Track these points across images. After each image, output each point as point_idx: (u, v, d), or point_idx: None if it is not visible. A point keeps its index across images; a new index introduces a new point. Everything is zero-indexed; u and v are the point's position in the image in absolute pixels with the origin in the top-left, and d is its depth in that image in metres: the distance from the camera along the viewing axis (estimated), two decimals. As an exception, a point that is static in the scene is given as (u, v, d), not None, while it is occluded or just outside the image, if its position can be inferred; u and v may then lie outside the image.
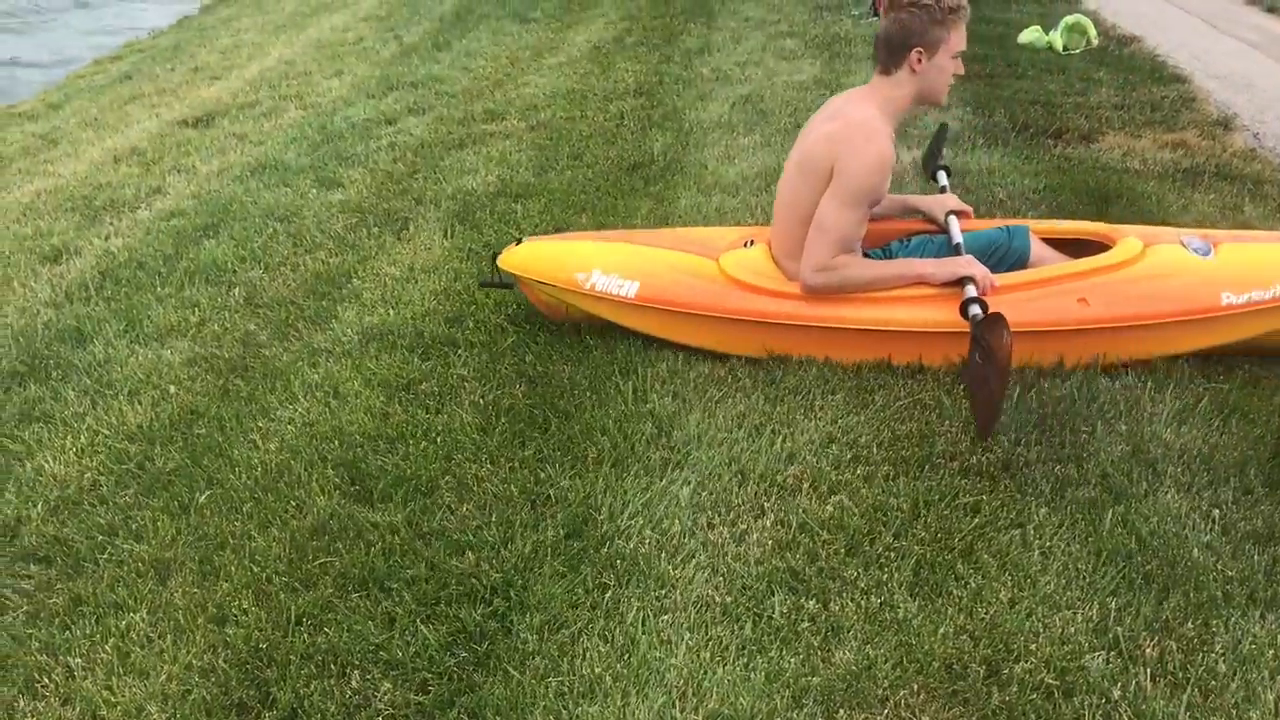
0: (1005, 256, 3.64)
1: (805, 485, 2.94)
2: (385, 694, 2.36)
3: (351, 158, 6.22)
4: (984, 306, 3.26)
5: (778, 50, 7.94)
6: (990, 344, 2.97)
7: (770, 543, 2.73)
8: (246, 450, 3.31)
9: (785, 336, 3.55)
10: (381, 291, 4.36)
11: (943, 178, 4.20)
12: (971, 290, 3.32)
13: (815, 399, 3.33)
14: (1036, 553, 2.67)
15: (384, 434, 3.32)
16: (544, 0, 10.71)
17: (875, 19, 8.59)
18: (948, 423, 3.19)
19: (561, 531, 2.81)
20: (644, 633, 2.47)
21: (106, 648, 2.54)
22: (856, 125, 3.35)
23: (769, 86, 6.97)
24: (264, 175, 6.07)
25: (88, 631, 2.61)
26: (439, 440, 3.25)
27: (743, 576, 2.63)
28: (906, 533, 2.75)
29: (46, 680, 2.48)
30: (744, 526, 2.80)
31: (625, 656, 2.41)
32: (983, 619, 2.47)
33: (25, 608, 2.72)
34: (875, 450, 3.08)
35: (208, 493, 3.10)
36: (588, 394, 3.45)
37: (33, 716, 2.39)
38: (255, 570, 2.75)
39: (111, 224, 5.59)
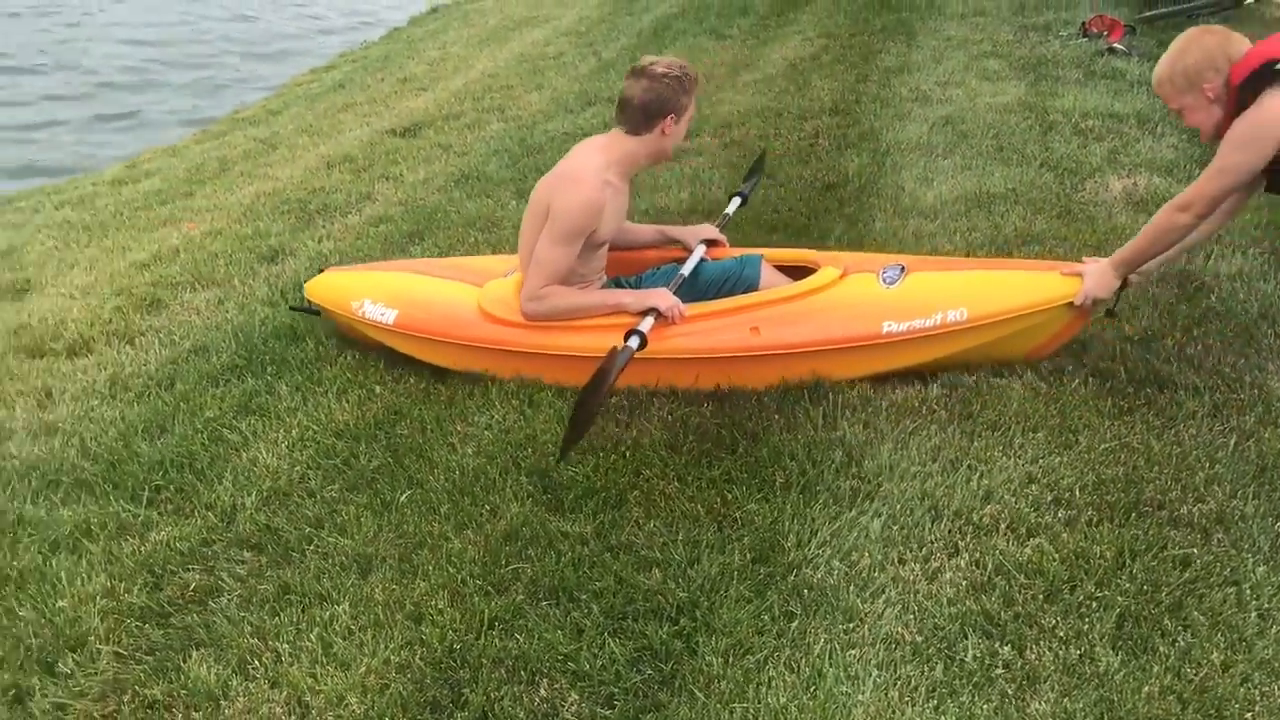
0: (737, 284, 3.90)
1: (1002, 526, 2.85)
2: (572, 705, 2.40)
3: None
4: (642, 339, 3.53)
5: (980, 71, 7.75)
6: (601, 370, 3.30)
7: (964, 583, 2.66)
8: (445, 453, 3.42)
9: (515, 362, 3.81)
10: (576, 304, 4.44)
11: (733, 204, 4.48)
12: (646, 322, 3.59)
13: (1015, 436, 3.23)
14: (1253, 614, 2.52)
15: (576, 445, 3.38)
16: (740, 17, 10.75)
17: (1084, 41, 8.29)
18: (1157, 469, 3.04)
19: (748, 556, 2.81)
20: (831, 666, 2.44)
21: (311, 637, 2.67)
22: (571, 173, 3.71)
23: (970, 108, 6.80)
24: (467, 185, 6.28)
25: (294, 619, 2.75)
26: (628, 454, 3.29)
27: (934, 616, 2.57)
28: (1110, 582, 2.64)
29: (257, 663, 2.62)
30: (936, 564, 2.74)
31: (811, 689, 2.39)
32: (1192, 681, 2.34)
33: (239, 592, 2.89)
34: (1078, 493, 2.96)
35: (408, 492, 3.22)
36: (776, 417, 3.43)
37: (245, 696, 2.53)
38: (451, 571, 2.84)
39: (324, 227, 5.89)
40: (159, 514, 3.29)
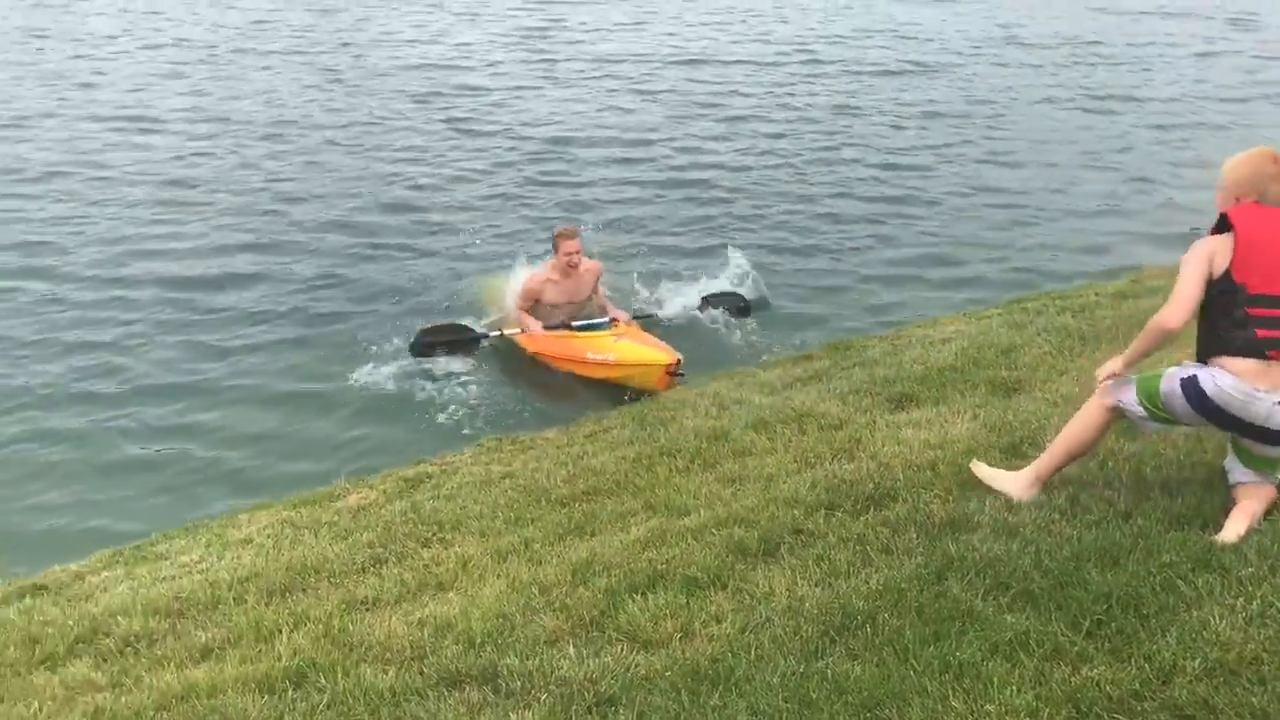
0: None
1: None
2: None
3: None
4: (501, 336, 9.75)
5: None
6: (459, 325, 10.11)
7: None
8: None
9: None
10: None
11: (681, 308, 10.52)
12: (513, 331, 9.66)
13: None
14: None
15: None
16: None
17: None
18: None
19: None
20: None
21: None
22: (534, 271, 9.93)
23: None
24: None
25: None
26: None
27: None
28: None
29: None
30: None
31: None
32: None
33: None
34: None
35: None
36: None
37: None
38: None
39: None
40: (1095, 649, 3.29)
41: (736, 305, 10.45)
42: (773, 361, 8.04)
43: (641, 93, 19.83)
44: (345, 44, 23.58)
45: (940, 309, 10.44)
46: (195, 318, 10.93)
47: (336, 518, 5.70)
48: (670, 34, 25.49)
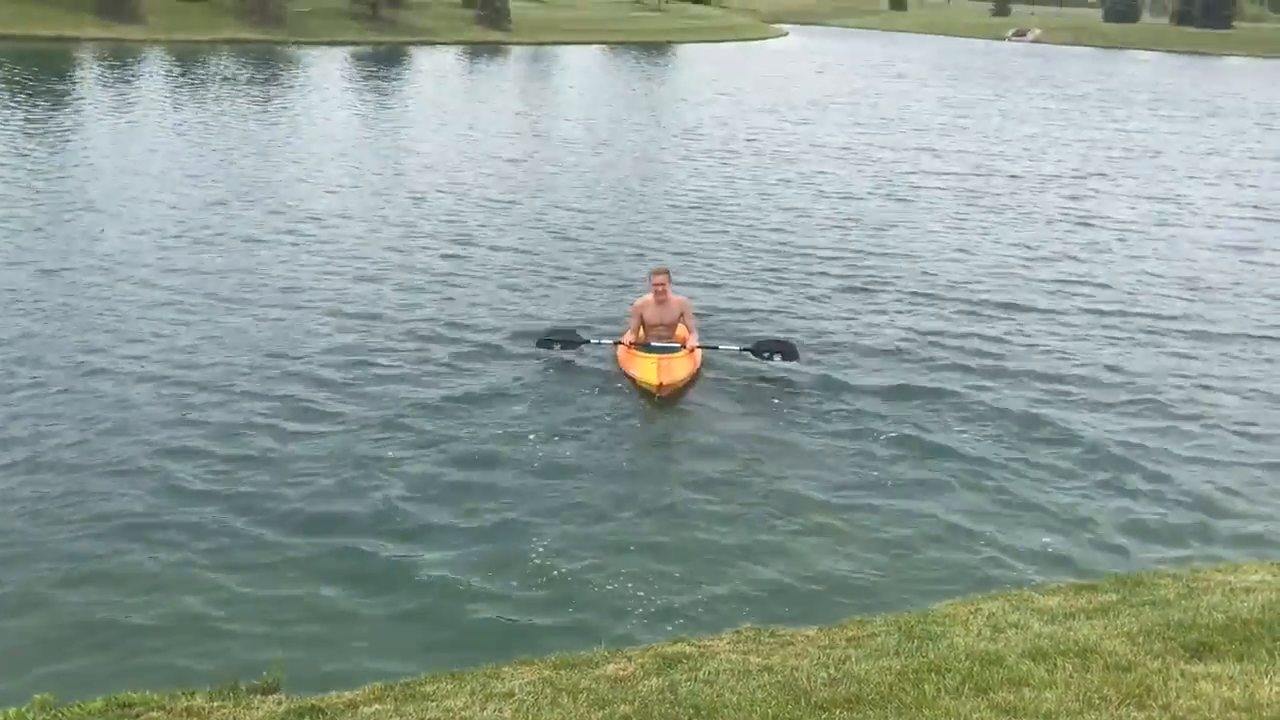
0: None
1: None
2: None
3: None
4: (598, 344, 13.70)
5: None
6: (572, 331, 14.15)
7: None
8: None
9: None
10: None
11: (733, 347, 13.68)
12: (606, 344, 13.74)
13: None
14: None
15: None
16: None
17: None
18: None
19: None
20: None
21: None
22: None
23: None
24: None
25: None
26: None
27: None
28: None
29: None
30: None
31: None
32: None
33: None
34: None
35: None
36: None
37: None
38: None
39: None
40: None
41: (783, 350, 13.22)
42: (1053, 588, 7.60)
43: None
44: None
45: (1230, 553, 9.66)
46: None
47: (595, 685, 5.75)
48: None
